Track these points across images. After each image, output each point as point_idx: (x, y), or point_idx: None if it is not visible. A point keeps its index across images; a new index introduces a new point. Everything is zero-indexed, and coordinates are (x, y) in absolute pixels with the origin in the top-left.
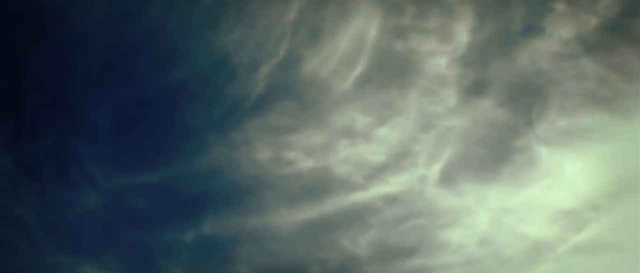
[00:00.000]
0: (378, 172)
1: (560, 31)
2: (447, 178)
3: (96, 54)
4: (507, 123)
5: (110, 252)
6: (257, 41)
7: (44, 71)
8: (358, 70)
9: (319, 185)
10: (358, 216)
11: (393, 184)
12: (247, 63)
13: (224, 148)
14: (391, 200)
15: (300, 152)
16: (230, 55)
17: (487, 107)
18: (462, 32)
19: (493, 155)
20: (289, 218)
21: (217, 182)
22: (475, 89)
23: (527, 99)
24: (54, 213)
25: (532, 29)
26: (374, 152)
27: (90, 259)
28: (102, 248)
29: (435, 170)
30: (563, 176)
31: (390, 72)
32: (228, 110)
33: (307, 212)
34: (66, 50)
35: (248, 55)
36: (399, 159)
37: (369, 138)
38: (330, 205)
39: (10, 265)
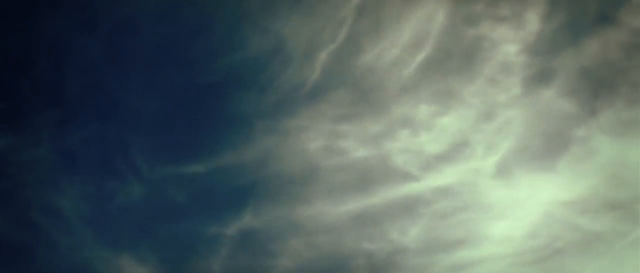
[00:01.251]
0: (434, 162)
1: (634, 22)
2: (503, 169)
3: (146, 40)
4: (569, 113)
5: (150, 245)
6: (316, 27)
7: (89, 58)
8: (421, 57)
9: (371, 176)
10: (409, 207)
11: (448, 175)
12: (303, 49)
13: (273, 137)
14: (444, 191)
15: (354, 141)
16: (287, 41)
17: (550, 97)
18: (534, 20)
19: (551, 146)
20: (337, 209)
21: (264, 173)
22: (540, 78)
23: (592, 89)
24: (95, 205)
25: (605, 19)
26: (431, 142)
27: (130, 252)
28: (141, 241)
29: (491, 161)
30: (624, 167)
31: (456, 59)
32: (281, 98)
33: (356, 203)
34: (113, 37)
35: (305, 41)
36: (457, 150)
37: (428, 127)
38: (380, 196)
39: (49, 258)
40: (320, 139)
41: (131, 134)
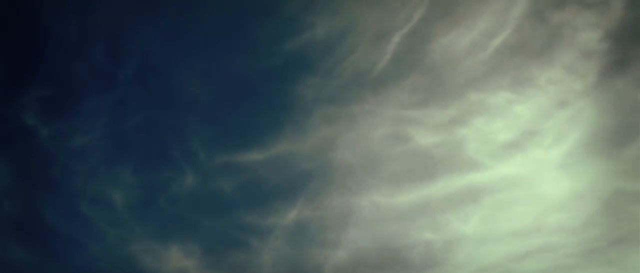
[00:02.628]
0: (503, 151)
1: None
2: (568, 160)
3: (205, 23)
4: None
5: (199, 236)
6: (388, 9)
7: (146, 42)
8: (499, 42)
9: (436, 164)
10: (472, 196)
11: (514, 164)
12: (373, 33)
13: (334, 124)
14: (508, 180)
15: (421, 128)
16: (356, 24)
17: (625, 86)
18: (619, 6)
19: (618, 136)
20: (396, 198)
21: (322, 161)
22: (617, 67)
23: None
24: (146, 194)
25: None
26: (504, 130)
27: (178, 243)
28: (190, 232)
29: (558, 151)
30: None
31: (535, 44)
32: (345, 83)
33: (418, 192)
34: (171, 20)
35: (375, 24)
36: (526, 138)
37: (503, 114)
38: (443, 185)
39: (96, 249)
40: (385, 126)
41: (188, 120)
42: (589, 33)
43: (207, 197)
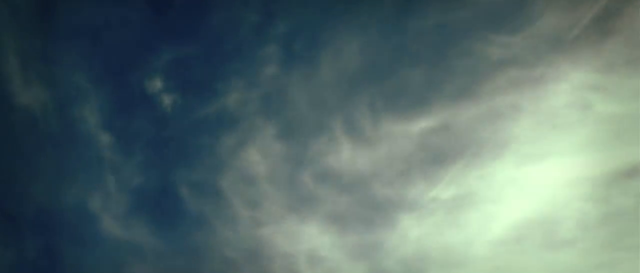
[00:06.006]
0: None
1: None
2: None
3: None
4: None
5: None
6: None
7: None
8: None
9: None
10: None
11: None
12: None
13: (517, 88)
14: None
15: (605, 95)
16: None
17: None
18: None
19: None
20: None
21: (495, 128)
22: None
23: None
24: (292, 168)
25: None
26: None
27: (316, 222)
28: (331, 208)
29: None
30: None
31: None
32: (536, 43)
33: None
34: None
35: None
36: None
37: None
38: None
39: (228, 233)
40: (567, 94)
41: (353, 83)
42: None
43: (365, 168)
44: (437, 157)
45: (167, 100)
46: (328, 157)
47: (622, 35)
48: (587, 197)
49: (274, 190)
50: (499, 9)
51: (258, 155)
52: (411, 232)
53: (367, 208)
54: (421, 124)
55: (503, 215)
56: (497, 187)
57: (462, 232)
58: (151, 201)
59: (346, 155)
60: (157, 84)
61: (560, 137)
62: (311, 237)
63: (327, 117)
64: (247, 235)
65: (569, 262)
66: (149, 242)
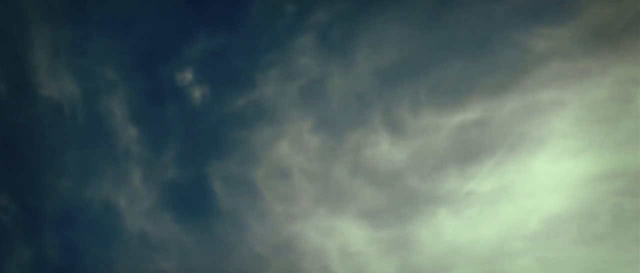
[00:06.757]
0: None
1: None
2: None
3: None
4: None
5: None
6: None
7: None
8: None
9: None
10: None
11: None
12: None
13: (564, 80)
14: None
15: None
16: None
17: None
18: None
19: None
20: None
21: (540, 121)
22: None
23: None
24: (328, 162)
25: None
26: None
27: (351, 217)
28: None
29: None
30: None
31: None
32: (584, 35)
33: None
34: None
35: None
36: None
37: None
38: None
39: (261, 229)
40: (610, 87)
41: (391, 75)
42: None
43: (403, 163)
44: (475, 150)
45: (198, 92)
46: (364, 151)
47: None
48: (624, 191)
49: (307, 184)
50: (543, 1)
51: (293, 148)
52: (445, 226)
53: (401, 202)
54: (460, 117)
55: (539, 209)
56: (533, 181)
57: (497, 226)
58: (180, 196)
59: (383, 149)
60: (188, 75)
61: (599, 131)
62: (343, 232)
63: (364, 109)
64: (278, 230)
65: (604, 257)
66: (177, 237)
